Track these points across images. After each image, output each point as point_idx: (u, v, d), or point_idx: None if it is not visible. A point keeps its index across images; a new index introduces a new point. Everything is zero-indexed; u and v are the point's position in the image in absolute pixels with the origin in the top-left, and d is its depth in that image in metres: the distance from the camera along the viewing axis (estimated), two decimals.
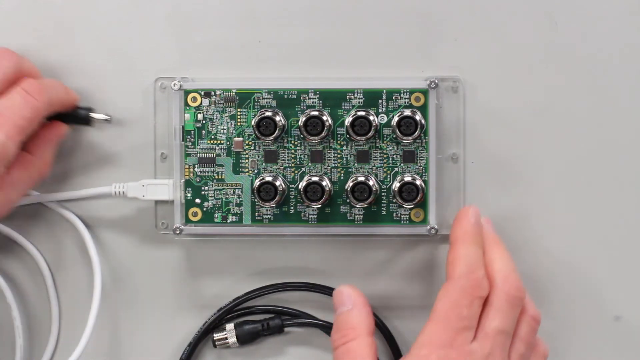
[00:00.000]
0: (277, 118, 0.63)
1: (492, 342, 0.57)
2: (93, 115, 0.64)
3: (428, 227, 0.64)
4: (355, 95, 0.63)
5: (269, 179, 0.63)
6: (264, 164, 0.64)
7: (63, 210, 0.65)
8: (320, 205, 0.63)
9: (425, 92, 0.63)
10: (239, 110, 0.64)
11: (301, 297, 0.66)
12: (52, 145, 0.63)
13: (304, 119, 0.63)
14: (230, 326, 0.65)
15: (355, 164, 0.64)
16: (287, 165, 0.64)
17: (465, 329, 0.57)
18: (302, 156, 0.64)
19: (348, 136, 0.63)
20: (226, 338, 0.65)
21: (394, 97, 0.63)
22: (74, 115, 0.64)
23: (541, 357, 0.61)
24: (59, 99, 0.62)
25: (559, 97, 0.65)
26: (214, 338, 0.65)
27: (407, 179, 0.63)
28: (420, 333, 0.57)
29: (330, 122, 0.63)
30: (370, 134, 0.63)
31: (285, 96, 0.63)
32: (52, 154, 0.63)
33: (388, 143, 0.64)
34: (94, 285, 0.64)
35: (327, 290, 0.65)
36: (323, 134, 0.63)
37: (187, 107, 0.64)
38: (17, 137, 0.59)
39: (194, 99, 0.64)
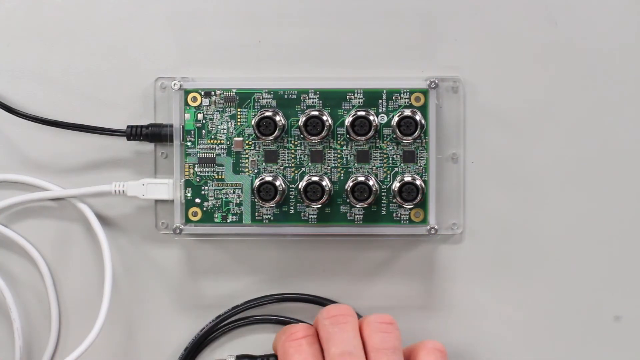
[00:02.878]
0: (277, 118, 0.63)
1: None
2: None
3: (428, 227, 0.64)
4: (355, 95, 0.63)
5: (269, 178, 0.63)
6: (264, 164, 0.64)
7: (79, 203, 0.65)
8: (320, 205, 0.63)
9: (425, 92, 0.63)
10: (239, 110, 0.64)
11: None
12: None
13: (304, 118, 0.63)
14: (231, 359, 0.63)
15: (355, 164, 0.64)
16: (287, 165, 0.64)
17: None
18: (302, 156, 0.64)
19: (348, 136, 0.63)
20: None
21: (394, 97, 0.63)
22: None
23: None
24: None
25: (559, 97, 0.65)
26: None
27: (407, 179, 0.63)
28: None
29: (330, 122, 0.63)
30: (370, 134, 0.63)
31: (285, 96, 0.63)
32: None
33: (388, 143, 0.64)
34: (104, 282, 0.64)
35: (328, 303, 0.64)
36: (323, 134, 0.63)
37: (187, 107, 0.64)
38: None
39: (194, 99, 0.64)
